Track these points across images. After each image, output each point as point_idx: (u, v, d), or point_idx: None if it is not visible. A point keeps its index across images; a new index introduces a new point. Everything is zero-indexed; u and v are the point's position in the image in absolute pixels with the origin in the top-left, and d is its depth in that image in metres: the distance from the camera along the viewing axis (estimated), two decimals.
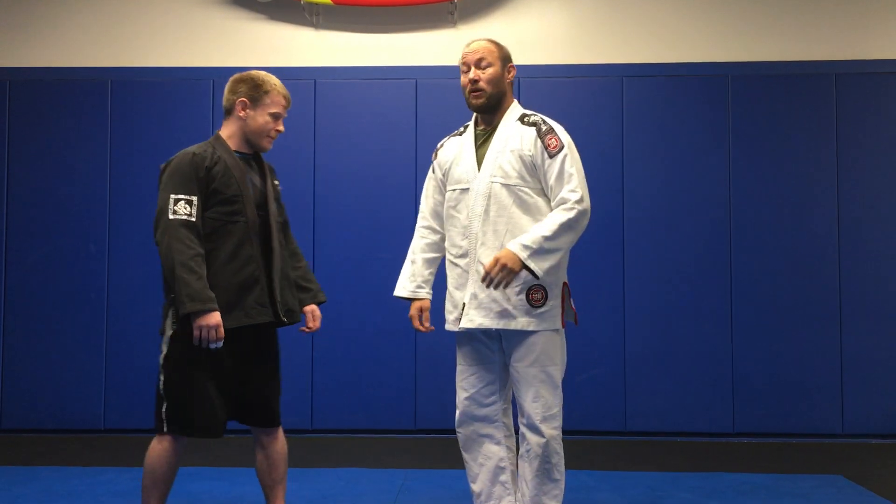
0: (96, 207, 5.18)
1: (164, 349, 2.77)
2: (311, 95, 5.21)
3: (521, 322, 2.87)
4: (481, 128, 3.04)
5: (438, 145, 3.18)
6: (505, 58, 3.00)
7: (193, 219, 2.74)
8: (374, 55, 5.31)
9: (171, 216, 2.71)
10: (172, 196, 2.74)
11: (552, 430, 2.88)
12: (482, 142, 3.00)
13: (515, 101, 3.05)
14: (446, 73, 5.22)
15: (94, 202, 5.18)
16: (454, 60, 5.31)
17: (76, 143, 5.22)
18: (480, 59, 2.95)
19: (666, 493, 3.79)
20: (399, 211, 5.15)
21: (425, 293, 3.12)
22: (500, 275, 2.75)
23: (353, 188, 5.18)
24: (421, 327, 3.11)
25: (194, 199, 2.76)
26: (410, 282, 3.13)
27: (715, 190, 5.12)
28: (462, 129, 3.13)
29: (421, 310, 3.11)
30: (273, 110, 2.97)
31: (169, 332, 2.76)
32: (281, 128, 3.02)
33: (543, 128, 2.91)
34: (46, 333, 5.15)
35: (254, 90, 2.94)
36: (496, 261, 2.75)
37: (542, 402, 2.88)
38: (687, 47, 5.26)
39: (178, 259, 2.66)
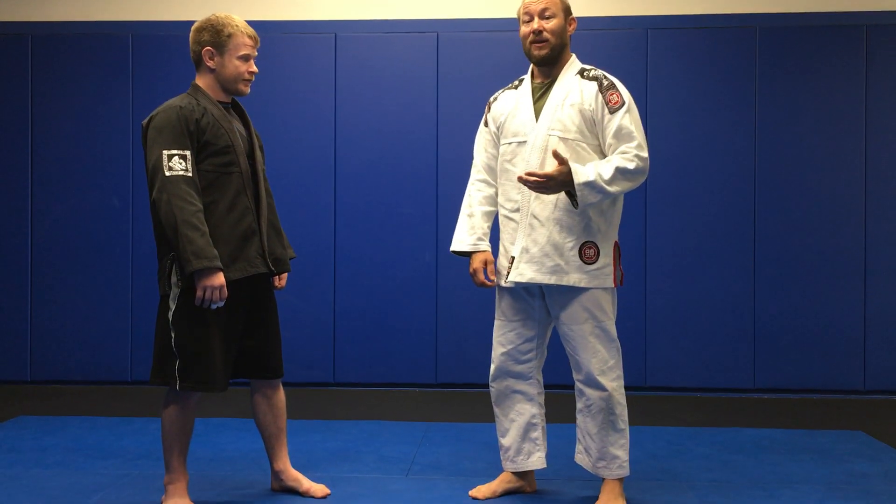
0: (119, 162, 5.21)
1: (173, 306, 2.75)
2: (332, 49, 5.17)
3: (573, 278, 2.86)
4: (538, 81, 3.00)
5: (491, 98, 3.14)
6: (567, 9, 2.96)
7: (190, 173, 2.70)
8: (395, 8, 5.25)
9: (167, 173, 2.66)
10: (165, 152, 2.68)
11: (612, 382, 2.91)
12: (539, 95, 2.97)
13: (574, 56, 3.00)
14: (468, 27, 5.16)
15: (117, 156, 5.21)
16: (475, 13, 5.27)
17: (98, 98, 5.23)
18: (544, 9, 2.91)
19: (685, 448, 3.81)
20: (420, 165, 5.13)
21: (486, 245, 3.07)
22: (544, 184, 2.74)
23: (373, 142, 5.16)
24: (486, 281, 3.02)
25: (188, 153, 2.71)
26: (470, 235, 3.07)
27: (741, 143, 5.05)
28: (517, 82, 3.09)
29: (485, 262, 3.03)
30: (241, 53, 2.87)
31: (176, 290, 2.74)
32: (254, 69, 2.92)
33: (605, 83, 2.88)
34: (74, 287, 5.22)
35: (216, 36, 2.84)
36: (547, 176, 2.73)
37: (599, 356, 2.90)
38: None
39: (180, 216, 2.63)
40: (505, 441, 3.10)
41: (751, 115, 5.05)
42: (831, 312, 5.01)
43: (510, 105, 3.03)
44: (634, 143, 2.81)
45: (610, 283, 2.91)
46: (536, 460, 3.07)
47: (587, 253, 2.87)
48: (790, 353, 5.02)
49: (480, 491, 3.11)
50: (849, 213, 5.01)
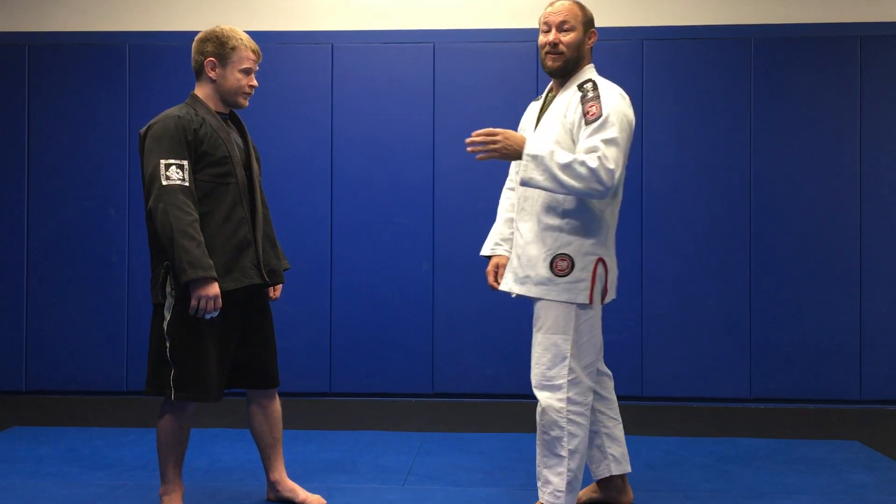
0: (116, 171, 5.21)
1: (168, 316, 2.74)
2: (329, 60, 5.18)
3: (540, 290, 2.82)
4: (552, 94, 2.97)
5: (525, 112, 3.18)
6: (588, 22, 2.91)
7: (187, 183, 2.70)
8: (392, 19, 5.27)
9: (164, 182, 2.66)
10: (163, 161, 2.69)
11: (549, 399, 2.79)
12: (548, 107, 2.95)
13: (590, 67, 2.94)
14: (464, 37, 5.18)
15: (114, 166, 5.21)
16: (472, 24, 5.29)
17: (95, 108, 5.23)
18: (563, 22, 2.86)
19: (682, 458, 3.81)
20: (416, 175, 5.14)
21: (502, 250, 3.13)
22: (488, 140, 2.71)
23: (370, 152, 5.17)
24: (494, 283, 3.11)
25: (185, 163, 2.71)
26: (490, 240, 3.18)
27: (736, 154, 5.07)
28: (543, 93, 3.08)
29: (497, 266, 3.12)
30: (243, 66, 2.88)
31: (171, 300, 2.73)
32: (254, 83, 2.94)
33: (590, 94, 2.79)
34: (69, 297, 5.21)
35: (220, 48, 2.86)
36: (494, 131, 2.72)
37: (540, 370, 2.83)
38: (709, 9, 5.17)
39: (177, 226, 2.63)
40: None
41: (746, 125, 5.07)
42: (827, 322, 5.02)
43: (526, 117, 3.08)
44: (598, 153, 2.67)
45: (583, 298, 2.79)
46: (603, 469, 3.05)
47: (559, 265, 2.81)
48: (786, 363, 5.02)
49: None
50: (844, 223, 5.03)
